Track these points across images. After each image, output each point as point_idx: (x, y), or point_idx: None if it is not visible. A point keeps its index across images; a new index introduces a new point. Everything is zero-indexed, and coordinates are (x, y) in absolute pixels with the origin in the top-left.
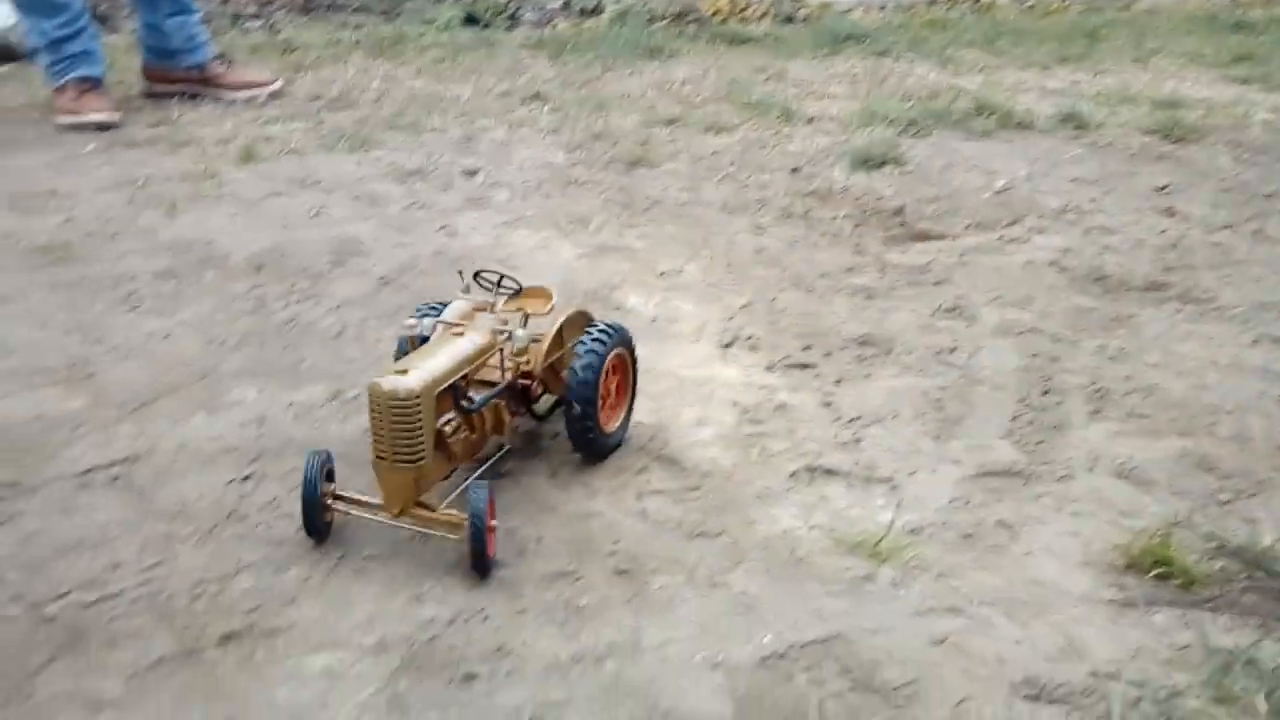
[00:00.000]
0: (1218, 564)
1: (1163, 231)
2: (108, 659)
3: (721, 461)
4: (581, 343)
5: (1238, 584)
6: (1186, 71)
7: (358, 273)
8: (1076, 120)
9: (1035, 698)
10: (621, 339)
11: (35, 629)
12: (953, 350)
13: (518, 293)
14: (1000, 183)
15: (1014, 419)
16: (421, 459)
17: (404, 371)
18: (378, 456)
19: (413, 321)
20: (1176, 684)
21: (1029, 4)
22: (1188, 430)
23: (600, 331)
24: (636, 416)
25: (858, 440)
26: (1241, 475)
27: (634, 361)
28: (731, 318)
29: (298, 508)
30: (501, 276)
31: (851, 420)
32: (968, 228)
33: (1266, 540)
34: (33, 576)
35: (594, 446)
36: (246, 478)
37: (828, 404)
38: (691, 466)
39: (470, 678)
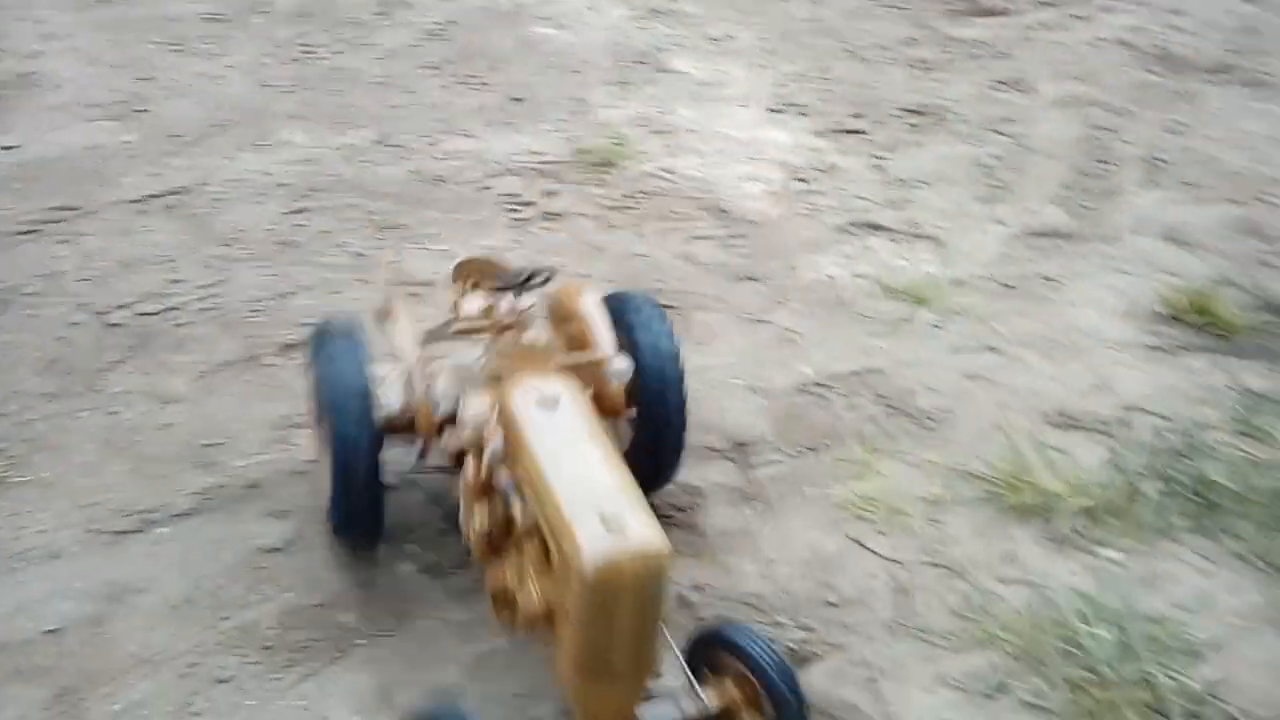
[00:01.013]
0: (1257, 317)
1: (1233, 13)
2: (174, 360)
3: (769, 213)
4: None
5: (1274, 333)
6: None
7: (403, 24)
8: None
9: (1065, 425)
10: None
11: (103, 334)
12: (1009, 120)
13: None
14: None
15: (1066, 186)
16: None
17: (607, 523)
18: (592, 667)
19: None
20: (1205, 418)
21: None
22: (1239, 198)
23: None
24: (687, 169)
25: (906, 200)
26: None
27: None
28: (783, 85)
29: (349, 239)
30: (530, 275)
31: (901, 182)
32: (1034, 4)
33: None
34: (98, 289)
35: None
36: (299, 211)
37: (877, 167)
38: (739, 216)
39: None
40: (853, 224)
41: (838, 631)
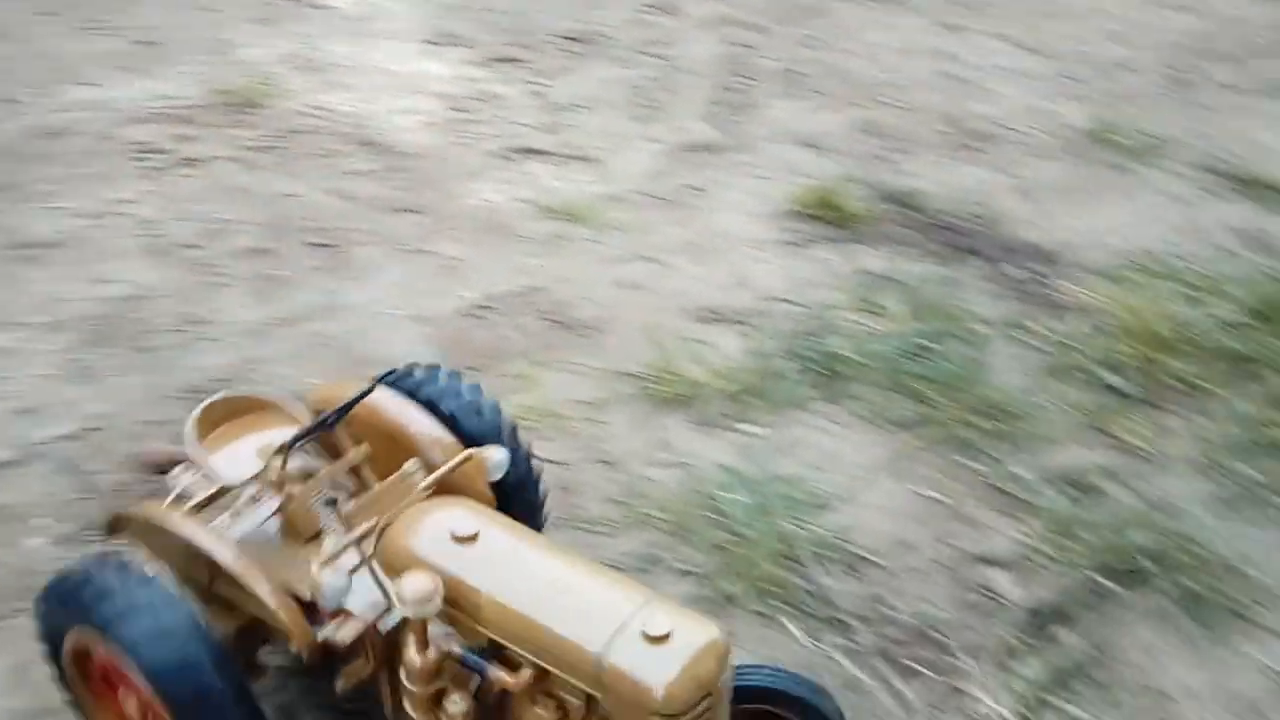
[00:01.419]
0: (875, 207)
1: None
2: None
3: (427, 144)
4: None
5: (890, 220)
6: None
7: None
8: None
9: (710, 321)
10: None
11: None
12: (659, 43)
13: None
14: None
15: (712, 102)
16: None
17: (651, 638)
18: None
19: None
20: (832, 300)
21: None
22: (863, 103)
23: None
24: (340, 105)
25: (564, 124)
26: (905, 138)
27: None
28: (441, 17)
29: None
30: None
31: (559, 107)
32: None
33: (915, 185)
34: None
35: None
36: None
37: (536, 94)
38: (395, 149)
39: (155, 346)
40: (511, 150)
41: None
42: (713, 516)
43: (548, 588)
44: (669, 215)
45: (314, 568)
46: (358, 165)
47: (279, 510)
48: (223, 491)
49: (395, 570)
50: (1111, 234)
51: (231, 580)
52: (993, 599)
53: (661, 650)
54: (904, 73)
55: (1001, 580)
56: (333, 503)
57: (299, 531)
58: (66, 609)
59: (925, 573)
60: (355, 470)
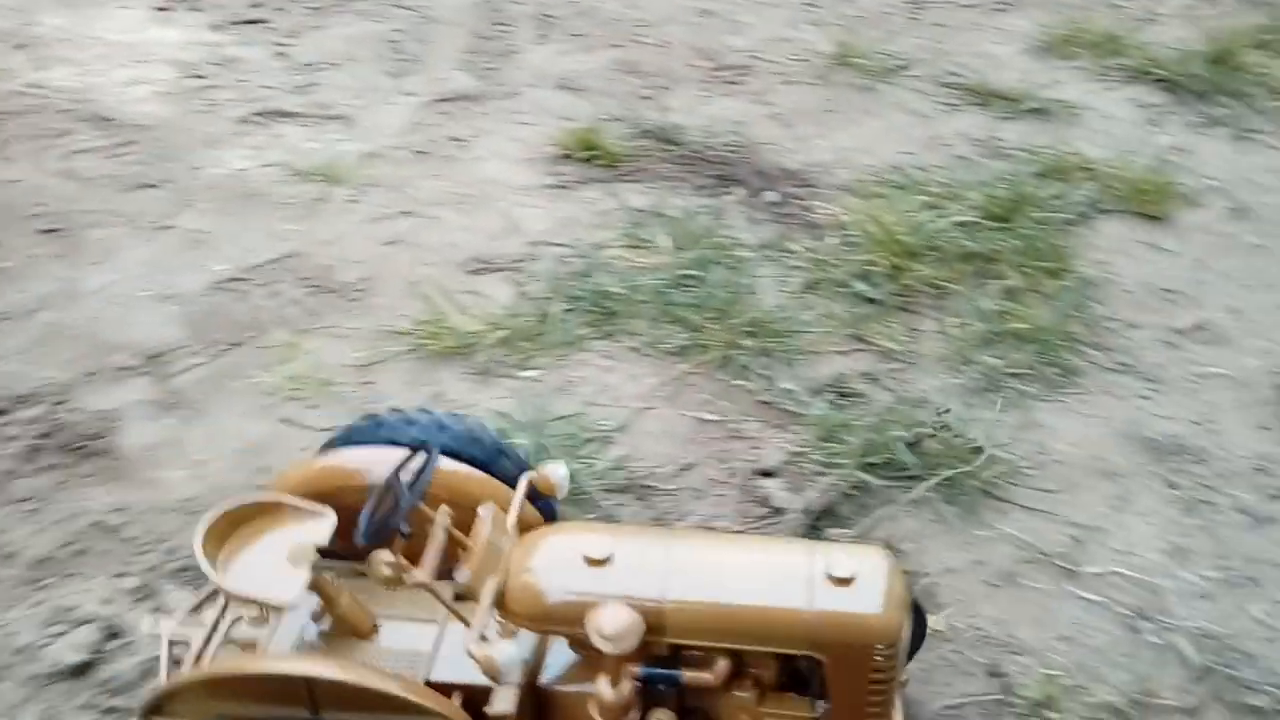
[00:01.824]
0: (636, 144)
1: None
2: None
3: (162, 115)
4: None
5: (653, 157)
6: None
7: None
8: None
9: (479, 270)
10: None
11: None
12: None
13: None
14: None
15: (469, 51)
16: None
17: (836, 579)
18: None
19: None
20: (600, 239)
21: None
22: (619, 42)
23: None
24: (59, 81)
25: (313, 84)
26: (661, 75)
27: None
28: None
29: None
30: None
31: (307, 66)
32: None
33: (676, 120)
34: None
35: None
36: None
37: (281, 54)
38: (126, 123)
39: None
40: (259, 114)
41: None
42: None
43: (716, 572)
44: (430, 168)
45: (473, 647)
46: (86, 143)
47: (324, 612)
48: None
49: (536, 620)
50: (860, 152)
51: (349, 698)
52: (770, 508)
53: (856, 588)
54: (658, 11)
55: (777, 490)
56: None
57: (358, 627)
58: None
59: (706, 491)
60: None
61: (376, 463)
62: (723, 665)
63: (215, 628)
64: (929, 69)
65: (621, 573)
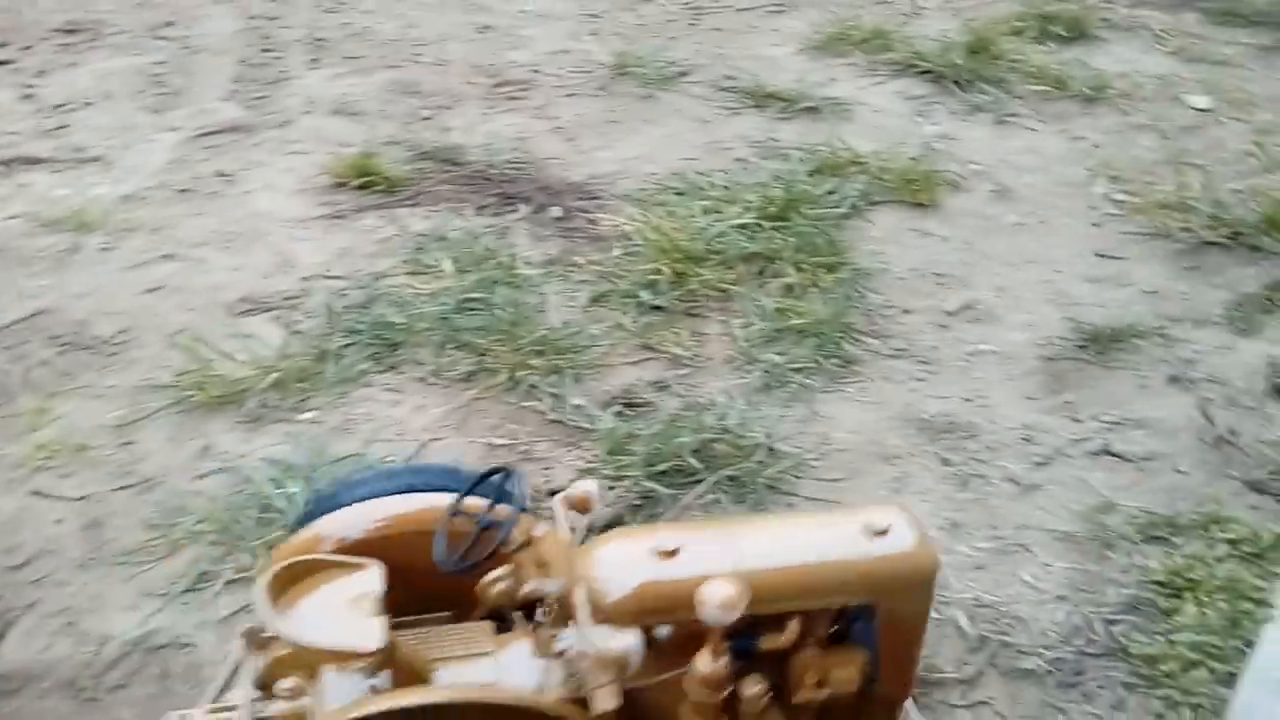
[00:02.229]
0: (415, 167)
1: None
2: None
3: None
4: None
5: (434, 179)
6: None
7: None
8: None
9: (249, 311)
10: None
11: None
12: (169, 24)
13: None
14: None
15: (236, 80)
16: None
17: (875, 531)
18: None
19: None
20: (381, 268)
21: None
22: (396, 63)
23: None
24: None
25: (64, 126)
26: (441, 94)
27: None
28: None
29: None
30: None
31: (56, 108)
32: None
33: (457, 140)
34: None
35: None
36: None
37: (27, 96)
38: None
39: None
40: (3, 161)
41: (28, 591)
42: (264, 516)
43: (775, 542)
44: (195, 207)
45: (608, 642)
46: None
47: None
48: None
49: (635, 614)
50: (643, 161)
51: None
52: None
53: (894, 536)
54: (435, 29)
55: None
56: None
57: (419, 671)
58: None
59: None
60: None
61: (400, 510)
62: (794, 626)
63: (250, 709)
64: (708, 74)
65: (695, 558)
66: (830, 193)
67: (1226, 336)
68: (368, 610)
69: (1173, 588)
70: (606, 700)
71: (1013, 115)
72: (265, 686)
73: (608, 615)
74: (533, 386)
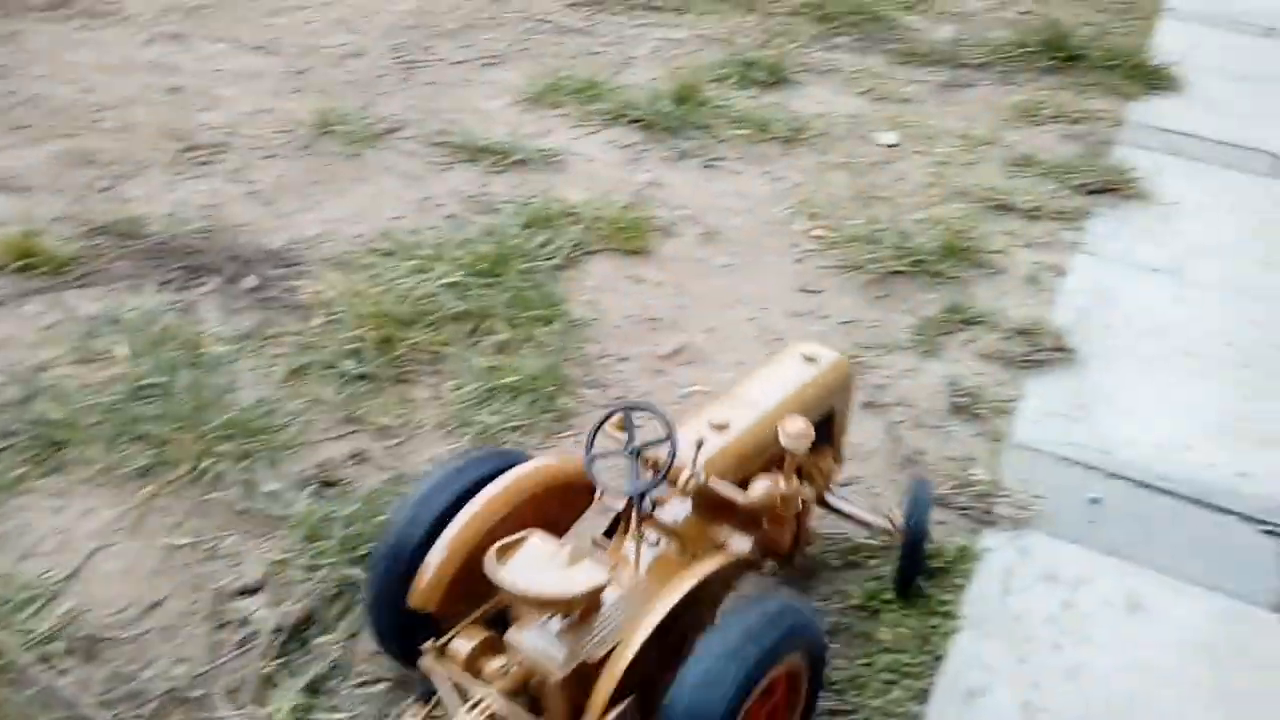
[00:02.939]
0: (87, 244)
1: None
2: None
3: None
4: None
5: (109, 256)
6: None
7: None
8: None
9: None
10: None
11: None
12: None
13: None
14: None
15: None
16: None
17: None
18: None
19: None
20: (43, 360)
21: None
22: (71, 131)
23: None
24: None
25: None
26: (122, 162)
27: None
28: None
29: None
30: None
31: None
32: None
33: (138, 211)
34: None
35: None
36: None
37: None
38: None
39: None
40: None
41: None
42: None
43: (768, 392)
44: None
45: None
46: None
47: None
48: None
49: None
50: (348, 222)
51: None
52: (249, 631)
53: (821, 358)
54: (119, 93)
55: (256, 608)
56: None
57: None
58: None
59: (177, 628)
60: None
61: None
62: (810, 434)
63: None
64: (420, 129)
65: (742, 420)
66: (543, 245)
67: (913, 360)
68: (587, 551)
69: (869, 610)
70: (742, 543)
71: (719, 159)
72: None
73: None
74: (220, 475)
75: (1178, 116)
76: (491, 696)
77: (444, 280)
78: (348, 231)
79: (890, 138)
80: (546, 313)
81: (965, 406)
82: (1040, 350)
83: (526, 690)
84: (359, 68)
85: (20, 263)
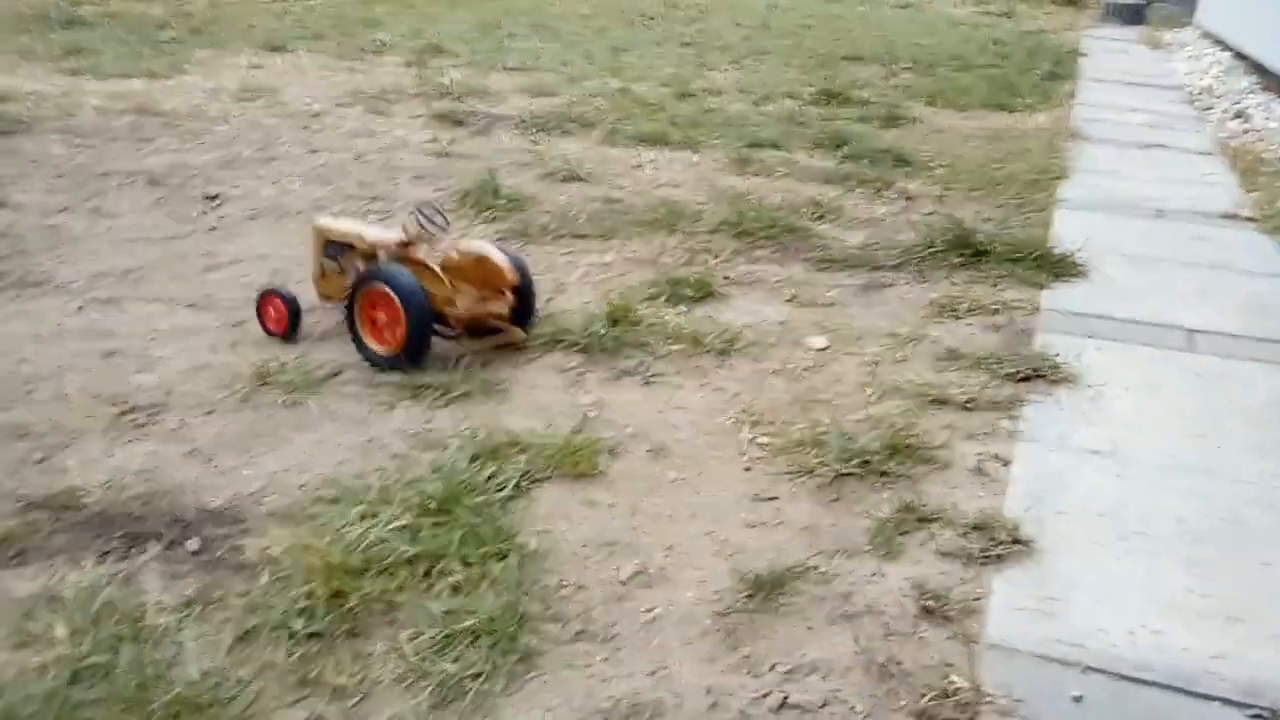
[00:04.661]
0: (23, 520)
1: None
2: None
3: None
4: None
5: (45, 531)
6: (17, 67)
7: None
8: None
9: None
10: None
11: None
12: None
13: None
14: None
15: None
16: None
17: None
18: None
19: None
20: None
21: None
22: (4, 405)
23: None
24: None
25: None
26: (56, 433)
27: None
28: None
29: None
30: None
31: None
32: None
33: (74, 481)
34: None
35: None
36: None
37: None
38: None
39: None
40: None
41: None
42: None
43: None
44: None
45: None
46: None
47: None
48: None
49: None
50: (292, 473)
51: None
52: None
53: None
54: (51, 361)
55: None
56: None
57: None
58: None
59: None
60: None
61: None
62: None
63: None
64: (359, 371)
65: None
66: (492, 477)
67: (874, 563)
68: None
69: None
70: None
71: (658, 375)
72: None
73: None
74: None
75: (1089, 300)
76: None
77: (393, 524)
78: (292, 482)
79: (820, 341)
80: (501, 546)
81: (934, 609)
82: (999, 544)
83: None
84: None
85: None
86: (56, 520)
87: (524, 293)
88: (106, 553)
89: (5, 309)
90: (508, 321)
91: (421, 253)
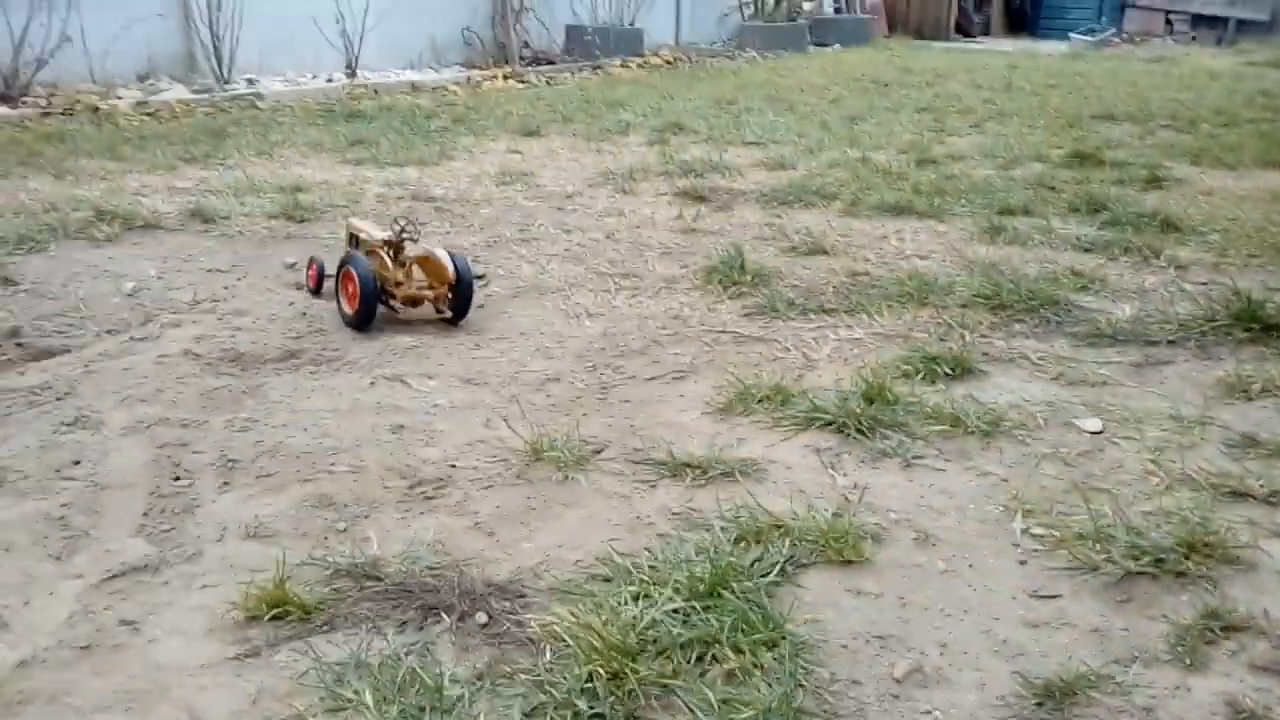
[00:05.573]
0: (332, 588)
1: (291, 304)
2: None
3: None
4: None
5: (351, 599)
6: (308, 159)
7: None
8: (203, 215)
9: None
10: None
11: None
12: (76, 463)
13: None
14: (129, 285)
15: (145, 513)
16: None
17: None
18: None
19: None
20: (293, 712)
21: (150, 110)
22: (310, 476)
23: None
24: None
25: None
26: (357, 503)
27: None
28: None
29: None
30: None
31: None
32: (97, 336)
33: (375, 551)
34: None
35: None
36: None
37: None
38: None
39: None
40: None
41: None
42: None
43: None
44: (95, 665)
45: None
46: None
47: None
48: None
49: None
50: (566, 549)
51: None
52: None
53: None
54: (349, 435)
55: None
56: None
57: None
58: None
59: None
60: None
61: None
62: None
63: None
64: (621, 448)
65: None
66: (756, 561)
67: (1177, 675)
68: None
69: None
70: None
71: (918, 457)
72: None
73: None
74: None
75: None
76: None
77: (666, 607)
78: (567, 558)
79: (1094, 424)
80: (770, 634)
81: None
82: None
83: None
84: (557, 392)
85: (273, 611)
86: (360, 589)
87: (461, 288)
88: (405, 622)
89: (308, 384)
90: (447, 308)
91: (381, 249)
